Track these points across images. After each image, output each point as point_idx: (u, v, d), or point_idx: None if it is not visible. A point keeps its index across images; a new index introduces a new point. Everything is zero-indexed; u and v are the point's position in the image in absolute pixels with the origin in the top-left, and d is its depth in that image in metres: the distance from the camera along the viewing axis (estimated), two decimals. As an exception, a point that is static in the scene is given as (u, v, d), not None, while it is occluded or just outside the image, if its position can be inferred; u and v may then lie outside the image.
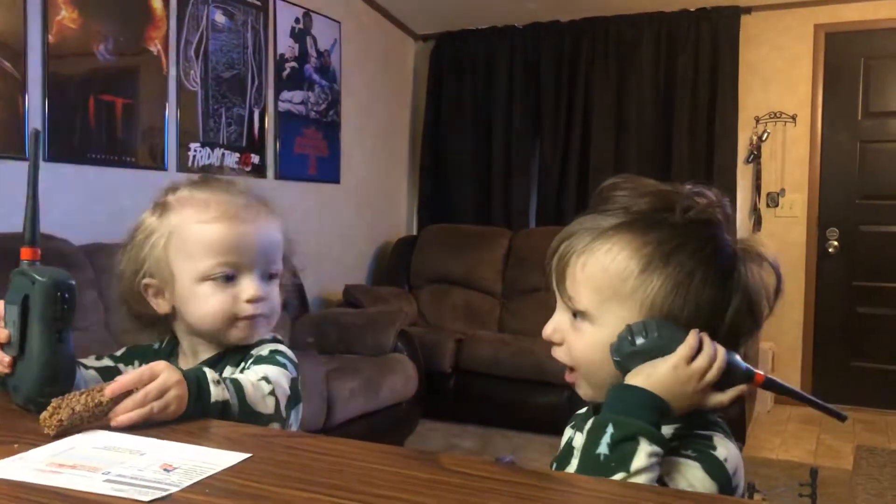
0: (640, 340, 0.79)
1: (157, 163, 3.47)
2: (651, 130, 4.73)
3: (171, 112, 3.52)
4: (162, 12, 3.46)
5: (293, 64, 4.28)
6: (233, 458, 0.69)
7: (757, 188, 4.63)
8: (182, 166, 3.56)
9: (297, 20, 4.30)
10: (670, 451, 0.78)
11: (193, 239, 1.03)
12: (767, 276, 0.85)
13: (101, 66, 3.21)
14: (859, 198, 4.51)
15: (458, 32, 5.18)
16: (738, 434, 3.58)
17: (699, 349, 0.79)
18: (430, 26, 5.25)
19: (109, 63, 3.23)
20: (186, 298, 1.04)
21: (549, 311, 0.89)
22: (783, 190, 4.61)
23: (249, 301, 1.03)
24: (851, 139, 4.52)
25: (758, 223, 4.62)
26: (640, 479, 0.72)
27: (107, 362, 1.10)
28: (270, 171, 4.13)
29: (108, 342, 2.78)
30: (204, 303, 1.03)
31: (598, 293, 0.82)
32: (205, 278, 1.02)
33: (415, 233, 5.26)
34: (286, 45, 4.23)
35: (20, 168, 2.93)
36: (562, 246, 0.85)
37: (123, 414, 0.79)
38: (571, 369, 0.87)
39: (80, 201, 3.16)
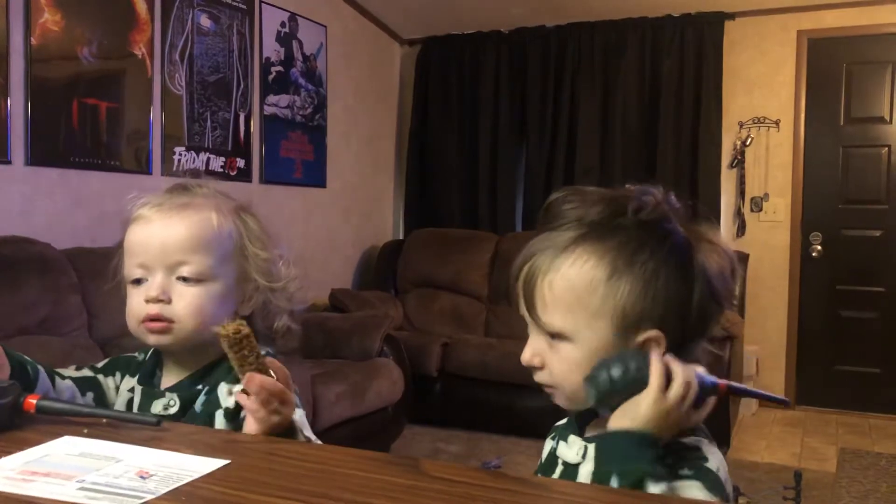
0: (616, 373, 0.78)
1: (142, 167, 3.45)
2: (636, 135, 4.75)
3: (155, 116, 3.50)
4: (146, 15, 3.44)
5: (279, 68, 4.27)
6: (211, 464, 0.69)
7: (741, 193, 4.65)
8: (167, 170, 3.54)
9: (282, 24, 4.29)
10: (668, 472, 0.77)
11: (125, 241, 1.04)
12: (720, 258, 0.86)
13: (85, 70, 3.19)
14: (842, 202, 4.55)
15: (445, 37, 5.18)
16: (723, 438, 3.59)
17: (669, 374, 0.79)
18: (416, 31, 5.25)
19: (93, 66, 3.21)
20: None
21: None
22: (767, 194, 4.63)
23: (146, 300, 1.00)
24: (834, 144, 4.56)
25: (742, 228, 4.65)
26: None
27: (86, 373, 1.08)
28: (256, 175, 4.11)
29: (91, 348, 2.76)
30: (127, 305, 1.03)
31: (570, 311, 0.82)
32: (126, 280, 1.03)
33: (401, 237, 5.25)
34: (272, 49, 4.22)
35: (2, 172, 2.90)
36: (524, 269, 0.85)
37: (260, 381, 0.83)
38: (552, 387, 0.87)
39: (64, 205, 3.14)
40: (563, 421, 0.95)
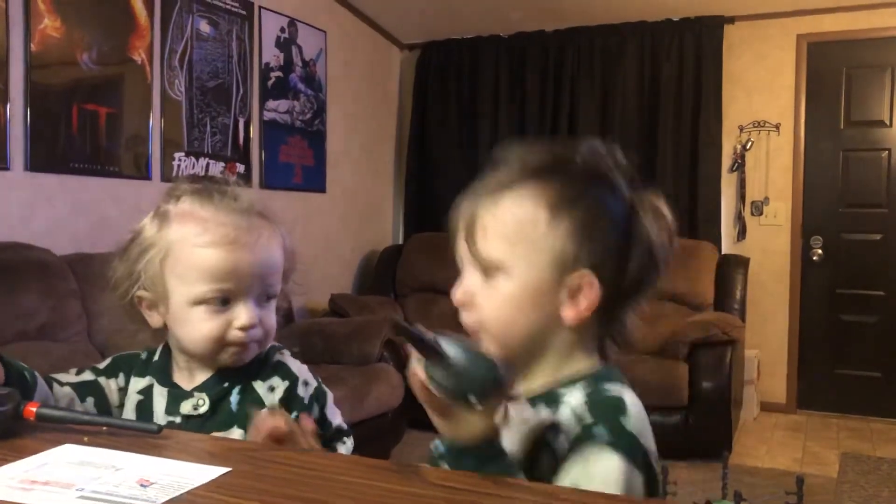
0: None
1: (142, 172, 3.45)
2: (635, 139, 4.75)
3: (155, 121, 3.50)
4: (146, 21, 3.44)
5: (278, 73, 4.27)
6: (212, 472, 0.68)
7: (741, 197, 4.65)
8: (166, 176, 3.54)
9: (282, 29, 4.29)
10: (585, 436, 0.77)
11: (189, 262, 1.00)
12: (662, 224, 0.87)
13: (85, 76, 3.19)
14: (842, 206, 4.55)
15: (444, 41, 5.19)
16: (724, 443, 3.58)
17: None
18: (415, 35, 5.26)
19: (93, 72, 3.21)
20: (179, 319, 1.02)
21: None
22: (767, 198, 4.63)
23: (242, 328, 1.00)
24: (834, 148, 4.56)
25: (742, 232, 4.65)
26: None
27: (87, 377, 1.06)
28: (255, 181, 4.11)
29: (91, 353, 2.75)
30: (195, 327, 1.01)
31: (509, 241, 0.82)
32: (198, 302, 1.00)
33: (401, 241, 5.25)
34: (271, 55, 4.22)
35: (1, 178, 2.90)
36: (467, 205, 0.86)
37: None
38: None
39: (63, 211, 3.13)
40: None
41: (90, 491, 0.64)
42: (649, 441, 0.80)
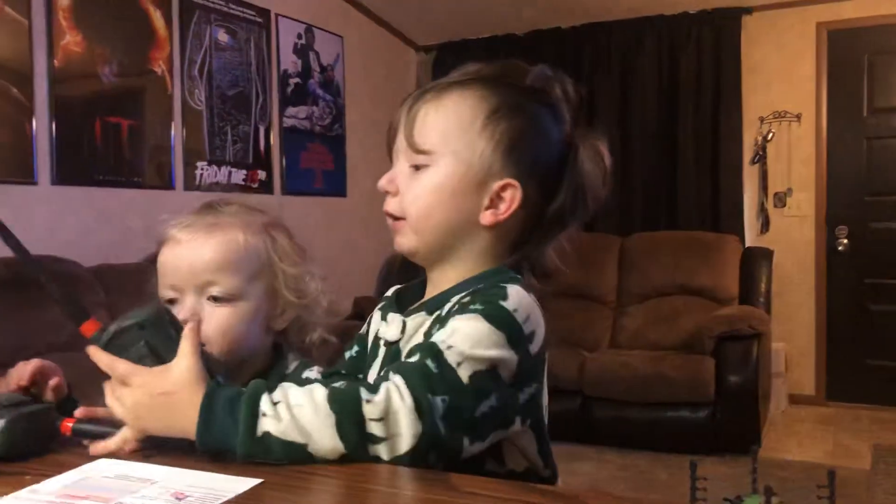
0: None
1: (165, 183, 3.49)
2: (656, 133, 4.73)
3: (176, 132, 3.54)
4: (165, 33, 3.48)
5: (297, 79, 4.30)
6: (244, 484, 0.69)
7: (764, 188, 4.61)
8: (189, 185, 3.58)
9: (299, 36, 4.32)
10: (460, 309, 0.79)
11: (158, 262, 1.05)
12: (599, 163, 0.88)
13: (107, 88, 3.23)
14: (867, 195, 4.49)
15: (459, 42, 5.19)
16: (753, 436, 3.55)
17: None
18: (431, 37, 5.27)
19: (114, 85, 3.26)
20: None
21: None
22: (790, 189, 4.59)
23: None
24: (857, 136, 4.50)
25: (766, 223, 4.60)
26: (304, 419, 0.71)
27: None
28: (277, 187, 4.14)
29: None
30: None
31: (444, 135, 0.85)
32: (161, 300, 1.03)
33: (422, 243, 5.26)
34: (289, 61, 4.25)
35: (29, 192, 2.95)
36: (412, 99, 0.89)
37: None
38: (399, 219, 0.88)
39: (89, 223, 3.18)
40: (389, 292, 0.97)
41: (127, 505, 0.65)
42: (535, 328, 0.80)
